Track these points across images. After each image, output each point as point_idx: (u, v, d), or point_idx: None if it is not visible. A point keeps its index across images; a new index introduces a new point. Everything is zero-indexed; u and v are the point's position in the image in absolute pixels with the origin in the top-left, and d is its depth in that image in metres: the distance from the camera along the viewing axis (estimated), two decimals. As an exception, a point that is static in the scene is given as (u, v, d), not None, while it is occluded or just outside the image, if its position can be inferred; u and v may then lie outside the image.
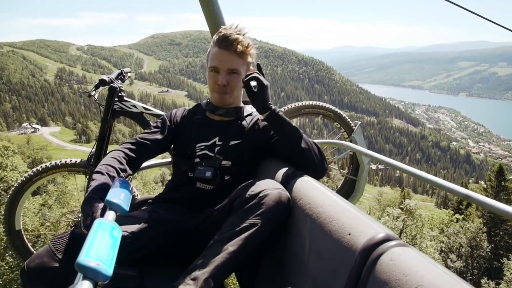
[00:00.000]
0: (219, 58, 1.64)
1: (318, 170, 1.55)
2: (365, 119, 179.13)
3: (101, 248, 0.92)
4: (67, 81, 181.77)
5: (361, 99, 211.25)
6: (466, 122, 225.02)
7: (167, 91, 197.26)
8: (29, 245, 3.20)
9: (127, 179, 1.45)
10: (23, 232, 3.15)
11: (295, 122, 3.47)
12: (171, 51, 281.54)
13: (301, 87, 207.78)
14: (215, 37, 1.66)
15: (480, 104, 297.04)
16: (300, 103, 3.38)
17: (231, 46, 1.61)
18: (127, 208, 1.20)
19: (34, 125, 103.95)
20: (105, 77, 2.67)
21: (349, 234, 0.98)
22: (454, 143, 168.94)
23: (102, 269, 0.86)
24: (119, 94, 2.70)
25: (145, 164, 2.10)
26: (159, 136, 1.72)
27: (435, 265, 0.79)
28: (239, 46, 1.62)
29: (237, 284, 1.59)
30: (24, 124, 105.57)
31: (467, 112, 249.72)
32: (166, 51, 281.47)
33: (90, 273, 0.85)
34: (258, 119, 1.75)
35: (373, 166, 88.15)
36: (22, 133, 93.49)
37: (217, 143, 1.69)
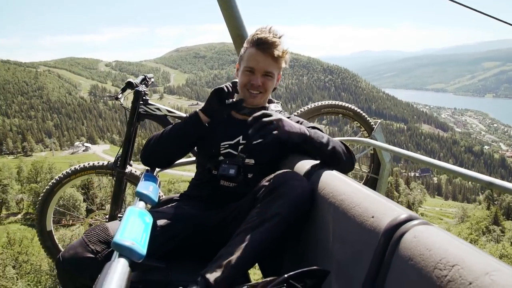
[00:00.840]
0: (256, 59, 1.66)
1: (346, 167, 1.57)
2: (395, 126, 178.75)
3: (135, 231, 0.98)
4: (101, 98, 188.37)
5: (388, 105, 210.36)
6: (495, 125, 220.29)
7: (197, 104, 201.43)
8: (60, 245, 3.31)
9: (155, 174, 1.50)
10: (53, 233, 3.26)
11: (316, 122, 3.53)
12: (196, 64, 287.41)
13: (328, 96, 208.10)
14: (252, 37, 1.69)
15: (508, 105, 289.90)
16: (320, 103, 3.49)
17: (269, 49, 1.64)
18: (155, 199, 1.31)
19: (86, 144, 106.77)
20: (131, 80, 2.79)
21: (372, 217, 1.01)
22: (486, 147, 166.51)
23: (137, 248, 0.92)
24: (144, 97, 2.76)
25: None
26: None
27: (458, 240, 0.81)
28: (276, 51, 1.65)
29: (260, 275, 1.60)
30: (76, 143, 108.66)
31: (496, 114, 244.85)
32: (191, 64, 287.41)
33: (126, 252, 0.90)
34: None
35: (411, 174, 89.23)
36: (74, 152, 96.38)
37: (241, 141, 1.73)
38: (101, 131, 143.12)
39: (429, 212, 53.93)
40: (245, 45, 1.76)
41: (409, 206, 49.29)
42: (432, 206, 59.84)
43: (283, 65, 1.75)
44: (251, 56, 1.69)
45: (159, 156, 1.77)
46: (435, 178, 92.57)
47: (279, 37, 1.69)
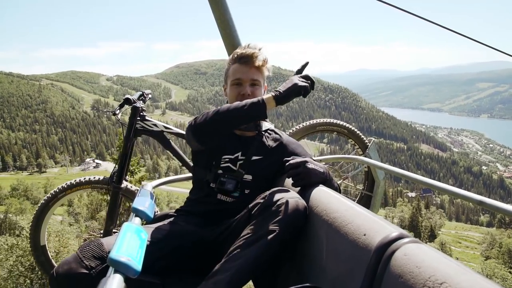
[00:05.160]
0: (241, 71, 1.76)
1: None
2: (395, 146, 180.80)
3: (131, 247, 0.98)
4: (104, 112, 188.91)
5: (388, 125, 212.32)
6: (491, 145, 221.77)
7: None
8: (53, 260, 3.26)
9: (151, 191, 1.57)
10: (47, 248, 3.21)
11: (310, 139, 3.95)
12: (197, 80, 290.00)
13: (329, 115, 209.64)
14: (233, 56, 1.80)
15: (503, 125, 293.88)
16: (314, 121, 3.48)
17: (250, 61, 1.74)
18: (151, 215, 1.33)
19: (96, 160, 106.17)
20: (129, 96, 2.77)
21: (364, 235, 1.04)
22: (484, 167, 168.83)
23: (132, 264, 0.92)
24: (141, 113, 2.77)
25: (164, 179, 2.19)
26: None
27: (447, 258, 0.83)
28: (257, 61, 1.74)
29: None
30: (87, 160, 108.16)
31: (491, 134, 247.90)
32: (192, 81, 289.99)
33: (121, 268, 0.90)
34: (282, 142, 1.87)
35: (412, 194, 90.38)
36: (85, 169, 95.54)
37: (240, 157, 1.76)
38: (106, 147, 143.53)
39: (447, 235, 53.71)
40: (227, 64, 1.85)
41: (432, 230, 50.58)
42: (447, 229, 59.37)
43: (266, 73, 1.82)
44: (235, 70, 1.78)
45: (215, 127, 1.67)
46: (437, 199, 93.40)
47: (259, 49, 1.77)
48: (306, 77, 1.60)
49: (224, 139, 1.79)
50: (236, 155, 1.76)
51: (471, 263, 40.40)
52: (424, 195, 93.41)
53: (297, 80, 1.58)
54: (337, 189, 1.68)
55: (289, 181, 1.66)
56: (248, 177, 1.74)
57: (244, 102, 1.60)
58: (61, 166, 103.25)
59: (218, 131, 1.67)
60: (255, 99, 1.59)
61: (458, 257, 42.54)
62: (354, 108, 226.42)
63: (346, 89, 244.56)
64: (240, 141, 1.81)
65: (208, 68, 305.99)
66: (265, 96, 1.57)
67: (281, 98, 1.56)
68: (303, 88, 1.56)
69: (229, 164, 1.75)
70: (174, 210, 1.86)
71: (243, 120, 1.63)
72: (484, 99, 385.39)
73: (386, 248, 0.93)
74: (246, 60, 1.75)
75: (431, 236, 49.17)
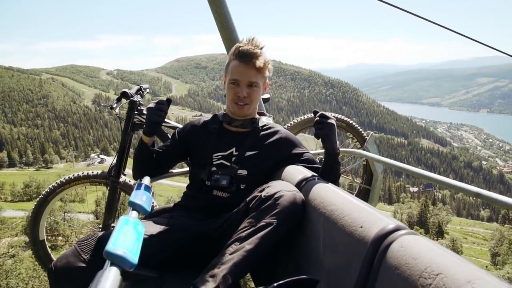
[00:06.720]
0: (240, 72, 1.72)
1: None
2: (395, 141, 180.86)
3: (127, 239, 0.98)
4: (102, 107, 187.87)
5: (389, 120, 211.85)
6: (490, 140, 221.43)
7: (201, 115, 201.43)
8: (52, 255, 3.27)
9: (149, 184, 1.57)
10: (46, 242, 3.22)
11: (307, 132, 3.61)
12: (197, 74, 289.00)
13: (329, 109, 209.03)
14: (235, 50, 1.74)
15: (502, 120, 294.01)
16: (312, 115, 4.32)
17: (251, 61, 1.69)
18: (148, 209, 1.32)
19: (101, 156, 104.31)
20: (126, 90, 2.77)
21: (361, 227, 1.04)
22: (484, 162, 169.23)
23: (129, 257, 0.93)
24: (139, 107, 2.77)
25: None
26: (170, 149, 1.89)
27: (443, 250, 0.83)
28: (258, 62, 1.70)
29: (252, 285, 1.59)
30: (92, 155, 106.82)
31: (490, 129, 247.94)
32: (193, 75, 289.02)
33: (118, 260, 0.91)
34: (280, 136, 1.85)
35: (414, 189, 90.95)
36: (89, 164, 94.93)
37: (234, 153, 1.77)
38: (109, 142, 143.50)
39: (453, 231, 52.93)
40: (228, 57, 1.82)
41: (440, 226, 51.10)
42: (452, 225, 58.60)
43: (267, 73, 1.80)
44: (234, 68, 1.74)
45: (140, 172, 1.88)
46: (439, 194, 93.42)
47: (261, 48, 1.74)
48: (159, 102, 1.79)
49: (215, 138, 1.83)
50: (229, 151, 1.78)
51: (480, 259, 40.91)
52: (426, 190, 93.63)
53: (147, 112, 1.79)
54: (338, 176, 1.73)
55: (286, 175, 1.68)
56: (243, 172, 1.75)
57: (136, 147, 1.88)
58: (66, 161, 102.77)
59: (145, 173, 1.70)
60: (139, 142, 1.86)
61: (466, 253, 42.87)
62: (355, 102, 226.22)
63: (347, 84, 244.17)
64: (234, 137, 1.83)
65: (209, 62, 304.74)
66: (142, 135, 1.86)
67: (146, 132, 1.83)
68: (151, 117, 1.77)
69: (222, 161, 1.77)
70: (172, 205, 1.89)
71: (142, 158, 1.88)
72: (484, 94, 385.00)
73: (382, 240, 0.94)
74: (247, 60, 1.71)
75: (439, 233, 49.54)
